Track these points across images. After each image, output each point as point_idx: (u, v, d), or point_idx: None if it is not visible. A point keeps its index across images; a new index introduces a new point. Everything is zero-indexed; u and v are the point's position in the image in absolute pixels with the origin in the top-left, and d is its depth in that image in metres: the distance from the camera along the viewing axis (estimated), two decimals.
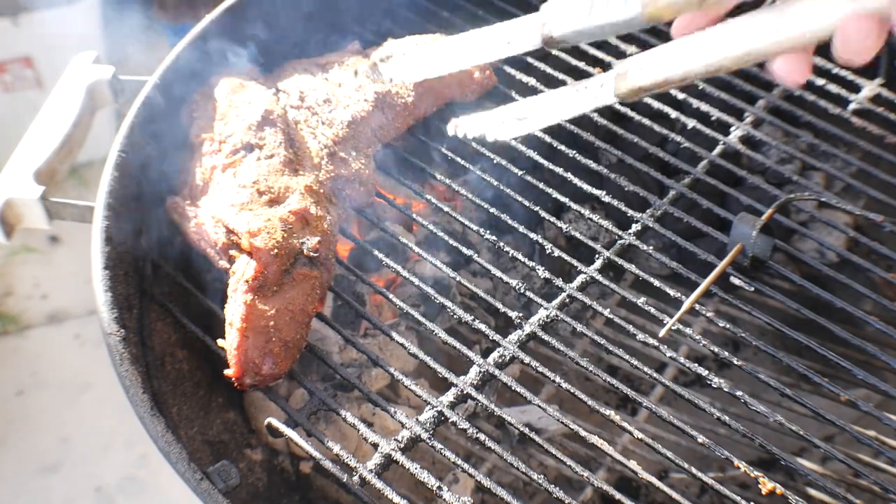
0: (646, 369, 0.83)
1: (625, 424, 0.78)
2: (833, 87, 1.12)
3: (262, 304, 0.80)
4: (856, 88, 1.13)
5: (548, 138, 1.03)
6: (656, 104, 1.09)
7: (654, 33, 1.02)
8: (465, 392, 0.80)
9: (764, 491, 0.76)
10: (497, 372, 0.82)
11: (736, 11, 0.68)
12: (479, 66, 1.06)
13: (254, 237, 0.81)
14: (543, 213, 0.95)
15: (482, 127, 0.81)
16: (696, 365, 0.83)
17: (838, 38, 0.62)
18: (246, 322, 0.79)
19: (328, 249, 0.86)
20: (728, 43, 0.66)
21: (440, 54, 0.83)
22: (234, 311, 0.80)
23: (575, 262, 0.91)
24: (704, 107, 1.09)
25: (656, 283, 0.89)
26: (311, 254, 0.82)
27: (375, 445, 0.76)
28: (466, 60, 0.82)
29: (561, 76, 1.11)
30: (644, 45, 1.07)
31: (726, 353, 0.84)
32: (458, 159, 1.01)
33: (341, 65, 1.02)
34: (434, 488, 0.73)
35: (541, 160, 1.01)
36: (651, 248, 0.92)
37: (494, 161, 1.01)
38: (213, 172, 0.90)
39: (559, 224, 0.95)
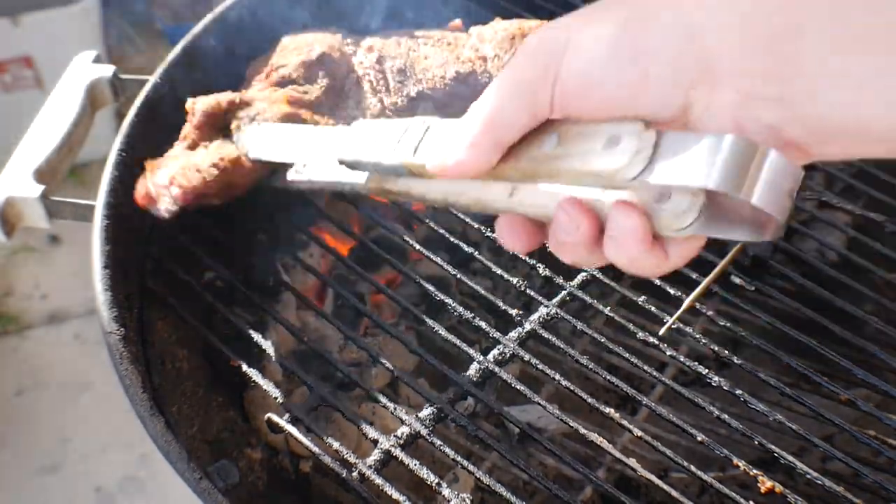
0: (646, 368, 0.83)
1: (625, 423, 0.78)
2: None
3: (173, 153, 0.86)
4: None
5: None
6: None
7: None
8: (465, 389, 0.80)
9: (763, 489, 0.76)
10: (497, 369, 0.82)
11: None
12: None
13: (198, 102, 0.88)
14: None
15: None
16: (697, 364, 0.83)
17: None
18: (156, 162, 0.86)
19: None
20: (466, 190, 0.58)
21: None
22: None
23: None
24: None
25: (657, 281, 0.89)
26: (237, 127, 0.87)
27: (375, 442, 0.76)
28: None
29: None
30: None
31: (726, 353, 0.84)
32: None
33: (435, 40, 1.00)
34: (434, 485, 0.73)
35: None
36: None
37: None
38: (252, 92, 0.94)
39: None
